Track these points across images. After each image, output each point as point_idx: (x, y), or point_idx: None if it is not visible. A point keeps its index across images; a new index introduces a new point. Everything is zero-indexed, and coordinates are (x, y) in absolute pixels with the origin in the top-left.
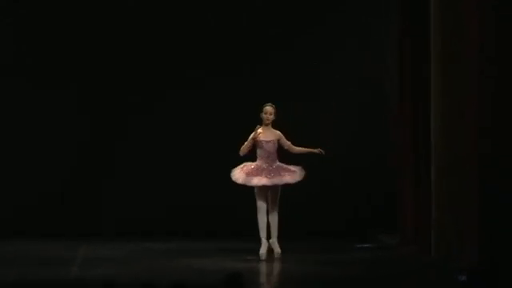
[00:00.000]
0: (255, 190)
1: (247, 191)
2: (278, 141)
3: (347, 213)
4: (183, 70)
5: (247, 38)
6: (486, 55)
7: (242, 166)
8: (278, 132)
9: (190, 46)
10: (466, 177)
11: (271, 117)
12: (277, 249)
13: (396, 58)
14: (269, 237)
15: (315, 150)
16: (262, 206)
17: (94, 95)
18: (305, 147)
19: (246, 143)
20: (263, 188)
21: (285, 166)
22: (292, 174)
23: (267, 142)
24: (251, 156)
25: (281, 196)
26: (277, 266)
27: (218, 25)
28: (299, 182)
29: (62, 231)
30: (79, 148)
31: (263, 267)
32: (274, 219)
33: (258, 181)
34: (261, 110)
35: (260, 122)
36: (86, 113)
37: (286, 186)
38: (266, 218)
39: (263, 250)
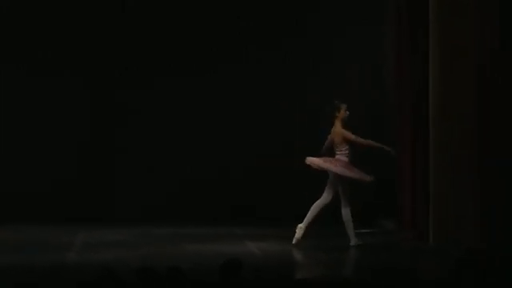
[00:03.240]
0: None
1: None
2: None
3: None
4: (198, 57)
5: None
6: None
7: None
8: None
9: (207, 31)
10: (465, 158)
11: None
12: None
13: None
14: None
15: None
16: None
17: (104, 85)
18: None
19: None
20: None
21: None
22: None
23: None
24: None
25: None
26: (276, 252)
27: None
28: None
29: (62, 217)
30: (84, 139)
31: (262, 252)
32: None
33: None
34: (338, 109)
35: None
36: (92, 104)
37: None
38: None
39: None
